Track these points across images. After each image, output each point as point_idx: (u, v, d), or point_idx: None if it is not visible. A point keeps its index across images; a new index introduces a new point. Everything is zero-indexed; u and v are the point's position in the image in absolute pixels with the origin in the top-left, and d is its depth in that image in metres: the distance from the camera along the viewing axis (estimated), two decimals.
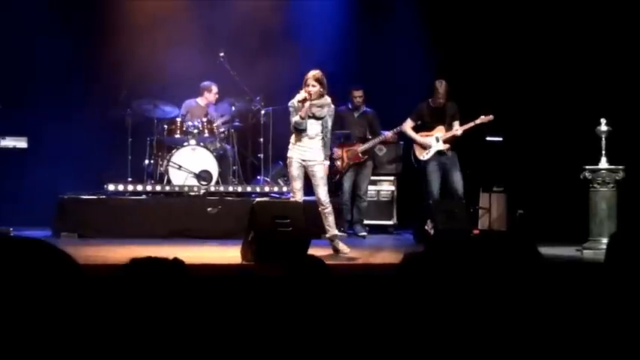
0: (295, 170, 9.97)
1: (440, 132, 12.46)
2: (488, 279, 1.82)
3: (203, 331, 2.32)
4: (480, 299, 1.80)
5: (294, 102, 9.94)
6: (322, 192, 9.99)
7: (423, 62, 13.67)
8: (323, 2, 14.42)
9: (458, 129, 12.37)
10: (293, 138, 10.04)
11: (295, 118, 9.87)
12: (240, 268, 8.71)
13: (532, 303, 1.81)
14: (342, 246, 10.01)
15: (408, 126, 12.60)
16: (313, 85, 9.88)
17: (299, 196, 9.97)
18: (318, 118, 9.97)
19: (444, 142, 12.44)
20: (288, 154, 10.05)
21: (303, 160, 9.95)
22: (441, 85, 12.30)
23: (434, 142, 12.44)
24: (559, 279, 2.07)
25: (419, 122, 12.60)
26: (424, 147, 12.48)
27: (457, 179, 12.33)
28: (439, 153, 12.44)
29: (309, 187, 10.24)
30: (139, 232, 11.67)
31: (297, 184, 9.99)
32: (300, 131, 9.92)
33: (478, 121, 12.35)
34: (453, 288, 1.81)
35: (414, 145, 12.61)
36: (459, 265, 1.84)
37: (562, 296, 2.09)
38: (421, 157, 12.49)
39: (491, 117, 12.31)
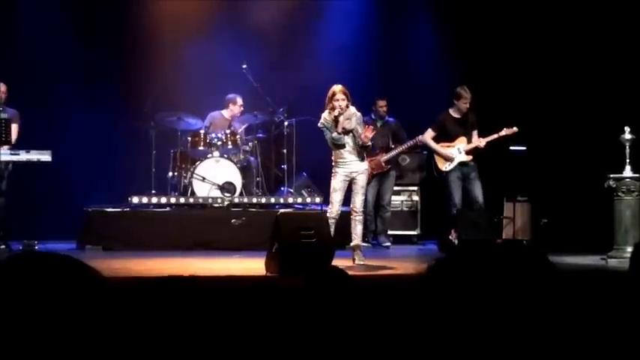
0: (339, 183, 10.02)
1: (462, 143, 12.29)
2: (499, 289, 1.82)
3: (224, 345, 2.33)
4: (491, 309, 1.80)
5: (323, 122, 9.99)
6: (359, 200, 10.08)
7: (444, 72, 13.67)
8: (344, 13, 14.43)
9: (481, 140, 12.25)
10: (335, 157, 10.09)
11: (333, 135, 9.91)
12: (263, 279, 8.72)
13: (544, 312, 1.81)
14: (359, 257, 10.07)
15: (429, 136, 12.41)
16: (343, 100, 9.91)
17: (337, 208, 10.03)
18: (348, 131, 10.00)
19: (466, 153, 12.34)
20: (334, 170, 10.11)
21: (350, 173, 10.01)
22: (466, 91, 12.14)
23: (456, 153, 12.28)
24: (581, 288, 2.06)
25: (439, 133, 12.42)
26: (446, 158, 12.34)
27: (477, 189, 12.19)
28: (461, 164, 12.30)
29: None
30: (164, 244, 11.70)
31: (338, 196, 10.04)
32: (339, 147, 9.97)
33: (502, 133, 12.22)
34: (473, 296, 1.82)
35: (435, 157, 12.46)
36: (477, 273, 1.85)
37: (585, 306, 2.08)
38: (443, 169, 12.30)
39: (515, 129, 12.18)
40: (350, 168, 10.01)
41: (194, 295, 2.37)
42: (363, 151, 10.12)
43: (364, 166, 10.15)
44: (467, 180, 12.25)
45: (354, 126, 10.04)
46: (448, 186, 12.25)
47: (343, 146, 9.99)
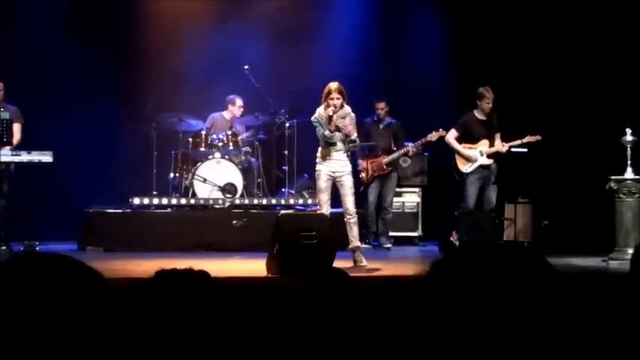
0: (323, 183, 9.96)
1: (484, 146, 12.21)
2: (498, 290, 1.81)
3: (227, 344, 2.33)
4: (492, 311, 1.80)
5: (317, 117, 9.95)
6: (350, 202, 9.98)
7: (446, 73, 13.67)
8: (345, 14, 14.44)
9: (505, 145, 12.18)
10: (320, 152, 10.04)
11: (326, 132, 9.87)
12: (264, 280, 8.72)
13: (543, 313, 1.81)
14: (361, 259, 9.97)
15: (452, 136, 12.28)
16: (337, 98, 9.85)
17: (325, 209, 9.95)
18: (340, 130, 9.96)
19: (488, 156, 12.23)
20: (317, 168, 10.05)
21: (332, 172, 9.95)
22: (488, 91, 12.05)
23: (478, 155, 12.18)
24: (582, 289, 2.06)
25: (462, 133, 12.31)
26: (468, 159, 12.23)
27: (492, 191, 12.10)
28: (481, 167, 12.19)
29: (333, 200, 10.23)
30: (165, 245, 11.69)
31: (324, 197, 9.97)
32: (329, 144, 9.93)
33: (525, 140, 12.15)
34: (473, 298, 1.81)
35: (457, 157, 12.32)
36: (477, 275, 1.84)
37: (586, 307, 2.08)
38: (463, 170, 12.20)
39: (539, 137, 12.13)
40: (334, 167, 9.94)
41: (198, 294, 2.37)
42: (349, 151, 10.09)
43: (348, 167, 10.05)
44: (484, 183, 12.18)
45: (347, 125, 10.02)
46: (465, 188, 12.17)
47: (334, 144, 9.96)
